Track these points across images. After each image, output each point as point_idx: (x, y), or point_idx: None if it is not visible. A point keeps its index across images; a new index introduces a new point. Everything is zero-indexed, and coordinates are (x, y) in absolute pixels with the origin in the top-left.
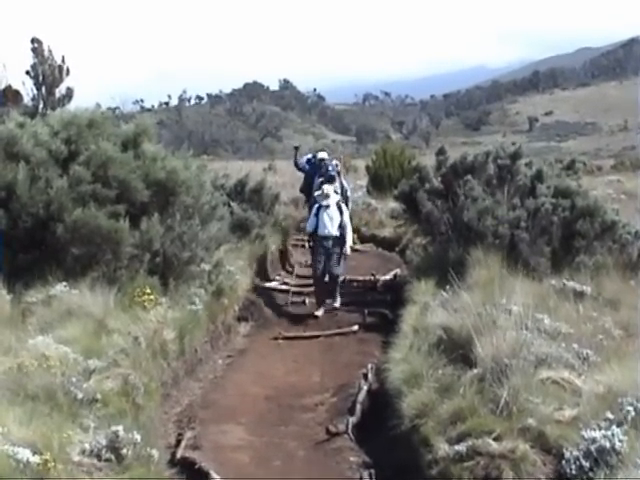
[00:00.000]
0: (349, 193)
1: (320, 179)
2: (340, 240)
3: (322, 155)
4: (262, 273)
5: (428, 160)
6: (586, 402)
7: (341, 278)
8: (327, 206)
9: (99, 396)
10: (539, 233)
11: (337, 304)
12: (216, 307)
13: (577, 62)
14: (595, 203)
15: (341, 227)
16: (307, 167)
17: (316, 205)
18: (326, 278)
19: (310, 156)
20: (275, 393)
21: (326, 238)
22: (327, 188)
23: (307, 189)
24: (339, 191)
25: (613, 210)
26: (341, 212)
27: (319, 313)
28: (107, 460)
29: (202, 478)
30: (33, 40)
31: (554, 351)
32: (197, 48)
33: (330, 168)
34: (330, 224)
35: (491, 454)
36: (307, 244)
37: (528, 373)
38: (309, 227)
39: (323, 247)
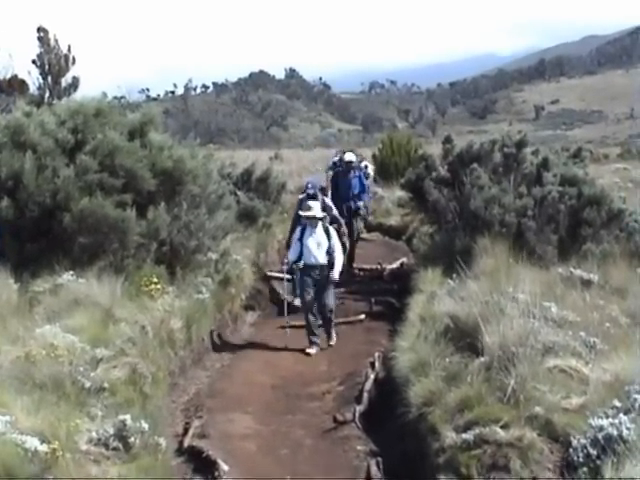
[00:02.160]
0: (334, 212)
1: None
2: (329, 267)
3: (349, 157)
4: (269, 262)
5: (434, 149)
6: (593, 390)
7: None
8: (313, 228)
9: (106, 385)
10: (546, 221)
11: (333, 341)
12: (223, 296)
13: (583, 50)
14: (602, 191)
15: (329, 253)
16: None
17: (299, 228)
18: (314, 314)
19: (336, 159)
20: (282, 382)
21: (313, 267)
22: (314, 205)
23: (336, 194)
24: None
25: (620, 198)
26: (329, 235)
27: (312, 351)
28: (115, 449)
29: (209, 467)
30: (39, 29)
31: (561, 339)
32: (203, 37)
33: (309, 186)
34: (317, 251)
35: (498, 442)
36: (285, 278)
37: (535, 361)
38: (292, 255)
39: (311, 278)
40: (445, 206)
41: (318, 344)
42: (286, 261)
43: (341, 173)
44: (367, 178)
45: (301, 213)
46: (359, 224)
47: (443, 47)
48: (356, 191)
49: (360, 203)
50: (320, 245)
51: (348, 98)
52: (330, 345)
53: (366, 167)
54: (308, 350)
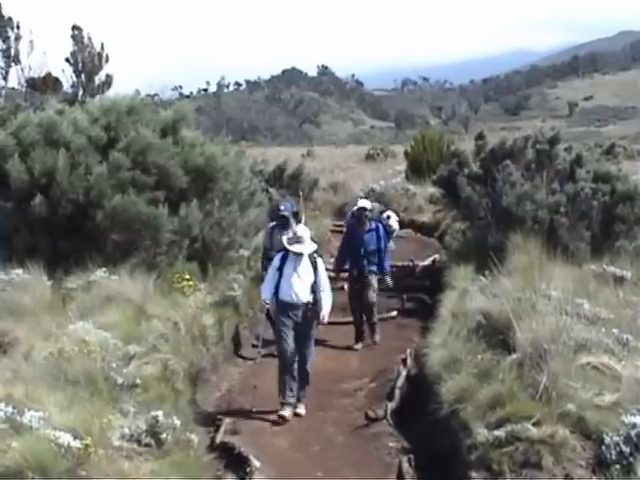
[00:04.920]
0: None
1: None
2: (314, 307)
3: (363, 203)
4: None
5: (467, 145)
6: (626, 387)
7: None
8: (298, 256)
9: (139, 381)
10: (578, 218)
11: (302, 410)
12: (255, 292)
13: (618, 46)
14: (635, 188)
15: (314, 290)
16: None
17: (278, 255)
18: (291, 371)
19: (354, 209)
20: (314, 378)
21: (293, 307)
22: (301, 229)
23: (348, 250)
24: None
25: None
26: (316, 268)
27: (285, 413)
28: (147, 445)
29: (241, 463)
30: (73, 27)
31: (594, 336)
32: (236, 35)
33: (282, 208)
34: (299, 285)
35: (530, 439)
36: (266, 316)
37: (567, 358)
38: (266, 291)
39: (289, 319)
40: (477, 202)
41: (292, 405)
42: (265, 303)
43: (355, 225)
44: (390, 234)
45: (288, 247)
46: (371, 295)
47: (476, 43)
48: (370, 248)
49: (373, 268)
50: (302, 278)
51: (380, 95)
52: (298, 414)
53: (388, 218)
54: (281, 412)
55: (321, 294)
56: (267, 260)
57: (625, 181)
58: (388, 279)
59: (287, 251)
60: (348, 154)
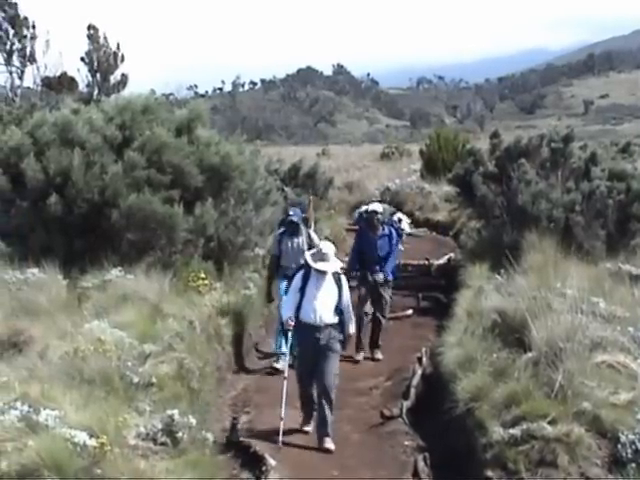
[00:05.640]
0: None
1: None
2: (337, 329)
3: (374, 207)
4: None
5: (482, 144)
6: None
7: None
8: (321, 274)
9: (154, 380)
10: (594, 216)
11: (330, 445)
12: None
13: (633, 44)
14: None
15: (339, 311)
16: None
17: (299, 274)
18: (310, 396)
19: (362, 209)
20: None
21: (315, 329)
22: (326, 246)
23: (359, 256)
24: (305, 248)
25: None
26: (340, 287)
27: (308, 428)
28: (163, 444)
29: (257, 462)
30: (89, 27)
31: (609, 334)
32: (251, 34)
33: (292, 213)
34: (322, 306)
35: (546, 438)
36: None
37: (583, 357)
38: (286, 309)
39: (311, 342)
40: (493, 201)
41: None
42: (290, 322)
43: (365, 229)
44: (401, 237)
45: (312, 265)
46: (387, 293)
47: (491, 42)
48: (382, 254)
49: (380, 275)
50: (327, 299)
51: (396, 94)
52: (328, 450)
53: (399, 221)
54: (305, 428)
55: (346, 314)
56: (275, 270)
57: None
58: (381, 276)
59: (309, 269)
60: (363, 153)
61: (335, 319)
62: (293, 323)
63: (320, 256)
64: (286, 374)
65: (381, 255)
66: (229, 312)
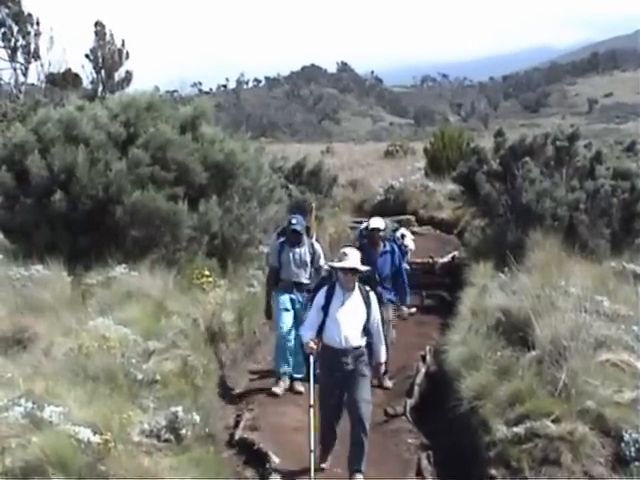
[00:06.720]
0: (322, 262)
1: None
2: (366, 352)
3: (375, 223)
4: None
5: (486, 142)
6: None
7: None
8: (348, 291)
9: (158, 377)
10: (598, 215)
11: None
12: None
13: (637, 43)
14: None
15: (368, 332)
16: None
17: (322, 291)
18: (335, 429)
19: (362, 227)
20: None
21: (341, 353)
22: (353, 255)
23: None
24: (308, 259)
25: None
26: (368, 305)
27: (324, 465)
28: (166, 440)
29: (261, 459)
30: (96, 23)
31: (613, 333)
32: (255, 31)
33: (294, 221)
34: (349, 326)
35: (550, 436)
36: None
37: (587, 355)
38: (307, 330)
39: (337, 368)
40: (497, 199)
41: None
42: (310, 348)
43: (367, 246)
44: (405, 254)
45: (338, 265)
46: (389, 313)
47: (496, 40)
48: (385, 273)
49: (389, 296)
50: (354, 319)
51: (400, 92)
52: None
53: (403, 237)
54: (322, 465)
55: (375, 335)
56: (274, 284)
57: None
58: (405, 309)
59: (333, 284)
60: (367, 151)
61: (363, 341)
62: (315, 346)
63: (341, 253)
64: (312, 401)
65: (383, 275)
66: (233, 309)
